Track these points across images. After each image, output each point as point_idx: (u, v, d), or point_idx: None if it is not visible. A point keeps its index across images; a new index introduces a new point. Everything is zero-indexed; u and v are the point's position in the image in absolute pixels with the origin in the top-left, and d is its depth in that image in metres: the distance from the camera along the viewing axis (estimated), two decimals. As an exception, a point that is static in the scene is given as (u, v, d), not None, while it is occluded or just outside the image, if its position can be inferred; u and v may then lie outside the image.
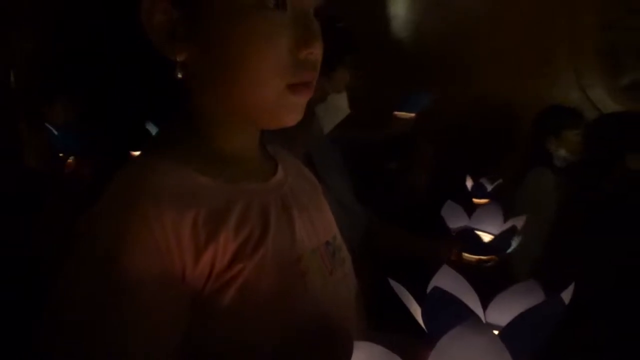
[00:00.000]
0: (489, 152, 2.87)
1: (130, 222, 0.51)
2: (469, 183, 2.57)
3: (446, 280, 0.70)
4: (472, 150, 2.87)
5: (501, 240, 1.44)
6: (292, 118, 0.59)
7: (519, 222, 1.44)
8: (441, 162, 2.72)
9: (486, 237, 1.48)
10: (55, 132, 2.39)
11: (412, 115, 2.25)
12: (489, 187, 2.53)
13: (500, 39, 2.97)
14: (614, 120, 2.20)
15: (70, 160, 2.32)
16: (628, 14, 2.91)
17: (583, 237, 2.07)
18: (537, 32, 2.94)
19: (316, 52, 0.55)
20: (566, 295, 0.63)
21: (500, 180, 2.59)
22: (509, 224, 1.44)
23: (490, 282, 0.79)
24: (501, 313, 0.69)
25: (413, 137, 2.43)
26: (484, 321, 0.70)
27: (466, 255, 1.45)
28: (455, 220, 1.48)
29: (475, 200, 2.56)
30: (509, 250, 1.48)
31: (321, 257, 0.63)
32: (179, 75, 0.55)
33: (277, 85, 0.55)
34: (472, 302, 0.70)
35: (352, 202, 1.55)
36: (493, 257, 1.45)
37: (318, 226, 0.66)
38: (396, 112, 2.17)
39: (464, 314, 0.62)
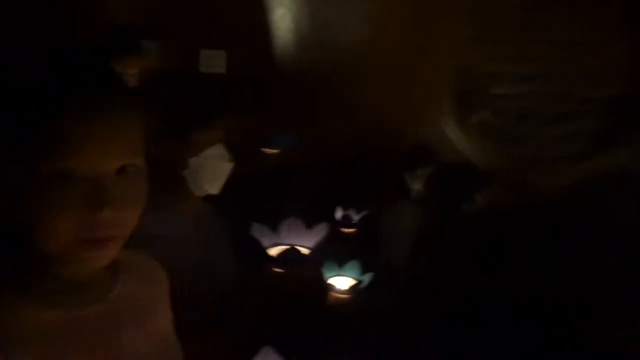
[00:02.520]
0: (361, 185, 3.03)
1: None
2: (338, 213, 2.71)
3: None
4: (347, 182, 3.01)
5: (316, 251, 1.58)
6: (86, 266, 0.65)
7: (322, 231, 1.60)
8: (316, 194, 2.84)
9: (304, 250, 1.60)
10: None
11: (277, 151, 2.32)
12: (355, 218, 2.69)
13: (375, 79, 3.17)
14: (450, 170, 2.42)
15: None
16: (480, 61, 3.27)
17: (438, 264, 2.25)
18: (405, 75, 3.18)
19: (108, 214, 0.61)
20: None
21: (366, 212, 2.76)
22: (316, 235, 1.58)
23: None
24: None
25: (282, 171, 2.51)
26: None
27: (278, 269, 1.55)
28: (266, 238, 1.59)
29: (343, 230, 2.71)
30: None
31: None
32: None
33: (64, 240, 0.62)
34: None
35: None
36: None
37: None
38: (263, 149, 2.24)
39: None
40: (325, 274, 1.93)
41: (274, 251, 1.55)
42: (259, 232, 1.56)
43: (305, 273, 1.51)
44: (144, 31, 2.35)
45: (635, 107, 3.04)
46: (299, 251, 1.53)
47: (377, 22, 3.14)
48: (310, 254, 1.54)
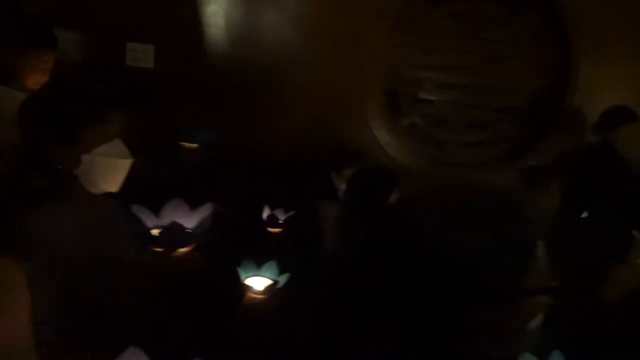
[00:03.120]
0: (289, 185, 3.04)
1: None
2: (265, 213, 2.71)
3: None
4: (275, 182, 3.01)
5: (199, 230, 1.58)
6: None
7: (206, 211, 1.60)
8: (245, 193, 2.83)
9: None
10: None
11: (196, 145, 2.29)
12: (282, 218, 2.70)
13: (306, 80, 3.18)
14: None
15: None
16: (408, 66, 3.36)
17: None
18: (335, 78, 3.20)
19: None
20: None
21: (293, 212, 2.78)
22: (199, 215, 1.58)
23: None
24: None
25: (203, 167, 2.48)
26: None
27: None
28: (150, 220, 1.58)
29: (270, 229, 2.72)
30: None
31: None
32: None
33: None
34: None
35: None
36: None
37: None
38: (182, 142, 2.21)
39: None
40: (243, 274, 1.94)
41: (156, 232, 1.52)
42: (141, 213, 1.52)
43: (191, 254, 1.49)
44: (60, 22, 2.25)
45: (542, 116, 3.25)
46: (180, 226, 1.50)
47: (309, 24, 3.16)
48: (193, 232, 1.51)
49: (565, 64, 3.19)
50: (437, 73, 3.33)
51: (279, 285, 1.90)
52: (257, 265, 1.98)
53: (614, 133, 2.80)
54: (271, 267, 1.95)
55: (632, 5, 3.21)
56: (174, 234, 1.48)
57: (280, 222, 2.66)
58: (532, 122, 3.32)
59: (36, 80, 1.79)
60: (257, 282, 1.92)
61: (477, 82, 3.31)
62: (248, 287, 1.91)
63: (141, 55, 3.16)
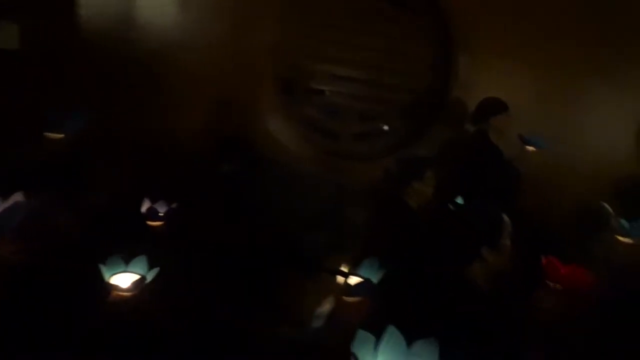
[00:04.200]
0: (172, 177, 2.89)
1: None
2: (144, 206, 2.55)
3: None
4: (156, 174, 2.85)
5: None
6: None
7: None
8: (126, 185, 2.65)
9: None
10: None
11: (61, 135, 2.10)
12: (162, 210, 2.56)
13: (192, 68, 3.04)
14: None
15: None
16: (302, 57, 3.33)
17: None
18: (224, 65, 3.09)
19: None
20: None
21: (175, 204, 2.64)
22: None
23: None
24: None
25: (73, 157, 2.28)
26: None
27: None
28: None
29: (149, 223, 2.56)
30: None
31: None
32: None
33: None
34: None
35: None
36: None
37: None
38: (47, 133, 2.01)
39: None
40: (107, 272, 1.79)
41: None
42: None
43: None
44: None
45: (427, 109, 3.37)
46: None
47: (197, 12, 3.02)
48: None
49: (447, 59, 3.32)
50: (330, 65, 3.33)
51: (148, 281, 1.78)
52: (126, 262, 1.84)
53: (486, 124, 2.96)
54: (140, 262, 1.82)
55: (509, 4, 3.41)
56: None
57: (161, 215, 2.52)
58: (417, 114, 3.42)
59: None
60: (124, 279, 1.78)
61: (367, 75, 3.36)
62: (113, 286, 1.77)
63: (4, 35, 2.85)
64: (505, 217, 1.73)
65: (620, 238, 2.61)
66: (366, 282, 1.74)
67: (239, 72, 3.11)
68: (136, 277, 1.77)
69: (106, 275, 1.78)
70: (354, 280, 1.76)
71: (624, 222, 2.66)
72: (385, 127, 3.46)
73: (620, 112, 3.45)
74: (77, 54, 2.78)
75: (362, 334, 1.20)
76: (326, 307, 1.04)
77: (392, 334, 1.20)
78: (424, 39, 3.39)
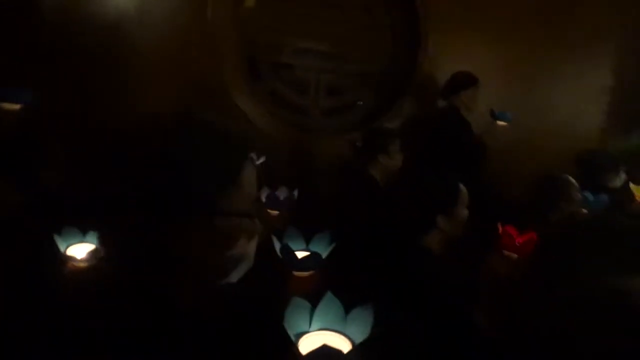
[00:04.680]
0: (135, 156, 2.84)
1: None
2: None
3: None
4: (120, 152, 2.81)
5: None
6: None
7: None
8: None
9: None
10: None
11: (17, 106, 2.07)
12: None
13: (154, 47, 2.96)
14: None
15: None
16: (267, 31, 3.27)
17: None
18: (187, 44, 3.02)
19: None
20: None
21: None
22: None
23: None
24: None
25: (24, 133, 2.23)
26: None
27: None
28: None
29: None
30: None
31: None
32: None
33: None
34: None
35: None
36: None
37: None
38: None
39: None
40: (62, 243, 1.78)
41: None
42: None
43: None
44: None
45: (395, 83, 3.37)
46: None
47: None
48: None
49: (415, 32, 3.31)
50: (295, 38, 3.30)
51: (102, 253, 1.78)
52: (83, 233, 1.83)
53: (456, 97, 2.97)
54: (94, 235, 1.81)
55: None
56: None
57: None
58: (385, 88, 3.42)
59: None
60: (80, 250, 1.78)
61: (333, 48, 3.33)
62: (69, 257, 1.76)
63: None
64: (462, 187, 1.76)
65: (584, 210, 2.65)
66: (313, 256, 1.72)
67: (203, 48, 3.05)
68: (92, 247, 1.77)
69: (61, 247, 1.77)
70: (301, 254, 1.75)
71: (588, 194, 2.70)
72: (360, 102, 3.46)
73: (585, 84, 3.49)
74: (28, 28, 2.70)
75: (296, 301, 1.14)
76: (237, 249, 0.95)
77: (329, 300, 1.16)
78: (389, 11, 3.38)
